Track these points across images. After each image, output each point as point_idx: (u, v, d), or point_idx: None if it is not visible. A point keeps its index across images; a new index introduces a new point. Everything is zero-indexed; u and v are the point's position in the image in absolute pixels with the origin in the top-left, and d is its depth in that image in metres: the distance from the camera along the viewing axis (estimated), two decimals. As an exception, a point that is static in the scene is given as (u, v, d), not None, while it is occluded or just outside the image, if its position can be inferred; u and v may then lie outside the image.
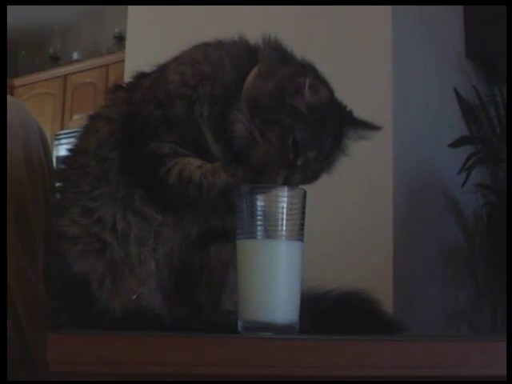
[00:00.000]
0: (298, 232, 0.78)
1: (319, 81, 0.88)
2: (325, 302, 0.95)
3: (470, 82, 2.11)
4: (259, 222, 0.77)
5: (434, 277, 1.94)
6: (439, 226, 1.99)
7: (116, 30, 4.42)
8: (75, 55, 4.82)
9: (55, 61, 4.95)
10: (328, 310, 0.94)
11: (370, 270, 1.65)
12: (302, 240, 0.78)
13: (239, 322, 0.78)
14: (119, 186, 0.88)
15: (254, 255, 0.78)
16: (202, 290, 0.88)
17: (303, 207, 0.78)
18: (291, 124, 0.83)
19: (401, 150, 1.77)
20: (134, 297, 0.84)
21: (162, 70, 0.94)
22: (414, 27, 1.93)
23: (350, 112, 0.91)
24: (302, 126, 0.83)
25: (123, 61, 2.42)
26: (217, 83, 0.88)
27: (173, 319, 0.87)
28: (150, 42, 2.15)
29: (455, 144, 2.00)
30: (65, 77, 4.69)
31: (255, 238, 0.77)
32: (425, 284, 1.88)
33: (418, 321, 1.69)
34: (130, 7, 2.30)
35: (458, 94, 2.05)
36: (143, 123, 0.89)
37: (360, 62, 1.79)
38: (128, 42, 2.34)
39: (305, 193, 0.79)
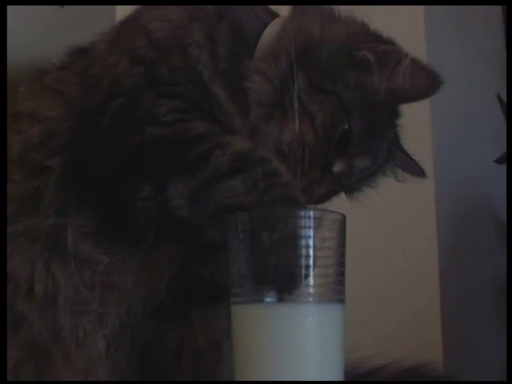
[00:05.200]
0: (336, 287, 0.45)
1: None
2: None
3: (514, 86, 1.80)
4: (269, 273, 0.45)
5: (486, 322, 1.63)
6: (489, 258, 1.69)
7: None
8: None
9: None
10: None
11: (416, 314, 1.36)
12: (342, 301, 0.46)
13: None
14: (49, 212, 0.56)
15: (264, 330, 0.45)
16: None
17: (343, 244, 0.46)
18: (352, 104, 0.53)
19: (441, 169, 1.48)
20: (72, 398, 0.52)
21: (128, 23, 0.63)
22: (448, 28, 1.65)
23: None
24: (365, 114, 0.53)
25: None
26: (223, 22, 0.59)
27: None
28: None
29: (502, 159, 1.70)
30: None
31: (262, 301, 0.44)
32: (477, 331, 1.58)
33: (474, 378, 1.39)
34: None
35: (501, 100, 1.75)
36: (111, 89, 0.57)
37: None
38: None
39: (344, 219, 0.46)
